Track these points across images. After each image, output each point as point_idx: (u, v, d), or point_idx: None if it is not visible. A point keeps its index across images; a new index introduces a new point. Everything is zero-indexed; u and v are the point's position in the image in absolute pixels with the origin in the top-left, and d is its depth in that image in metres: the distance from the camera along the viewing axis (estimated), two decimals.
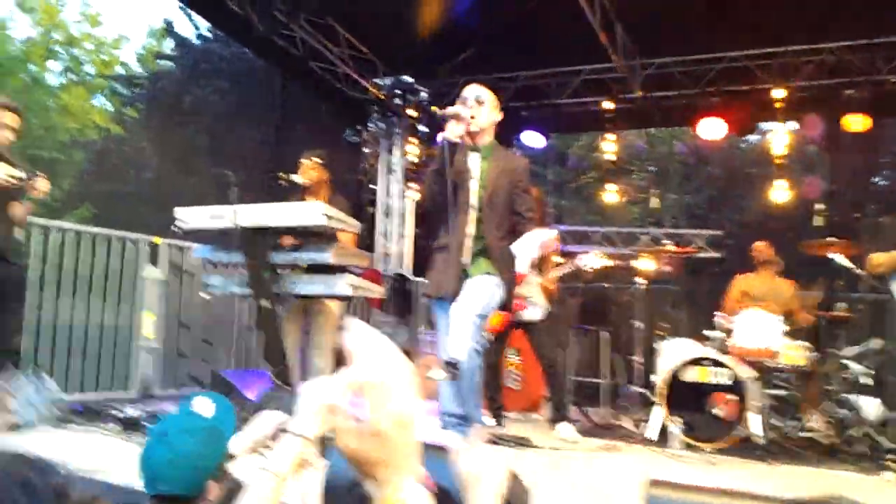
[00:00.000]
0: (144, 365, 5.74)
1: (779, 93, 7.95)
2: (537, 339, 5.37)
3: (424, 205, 3.72)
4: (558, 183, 18.55)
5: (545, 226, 5.50)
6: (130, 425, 4.12)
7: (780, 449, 4.81)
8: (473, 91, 3.69)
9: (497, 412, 5.45)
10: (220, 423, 1.93)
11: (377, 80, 9.46)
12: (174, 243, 5.78)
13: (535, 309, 5.32)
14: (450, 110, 3.53)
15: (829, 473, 4.34)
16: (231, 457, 2.01)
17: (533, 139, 9.50)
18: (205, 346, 5.71)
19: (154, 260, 5.85)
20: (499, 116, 3.76)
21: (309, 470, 2.20)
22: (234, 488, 1.93)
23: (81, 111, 23.34)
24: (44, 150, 18.80)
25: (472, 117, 3.57)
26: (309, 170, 5.10)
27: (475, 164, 3.67)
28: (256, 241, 4.29)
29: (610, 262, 7.04)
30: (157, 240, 5.75)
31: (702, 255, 9.94)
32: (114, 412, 4.38)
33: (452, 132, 3.50)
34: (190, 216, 4.48)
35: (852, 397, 5.06)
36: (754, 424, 4.83)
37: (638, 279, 6.18)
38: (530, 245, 3.54)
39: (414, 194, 9.52)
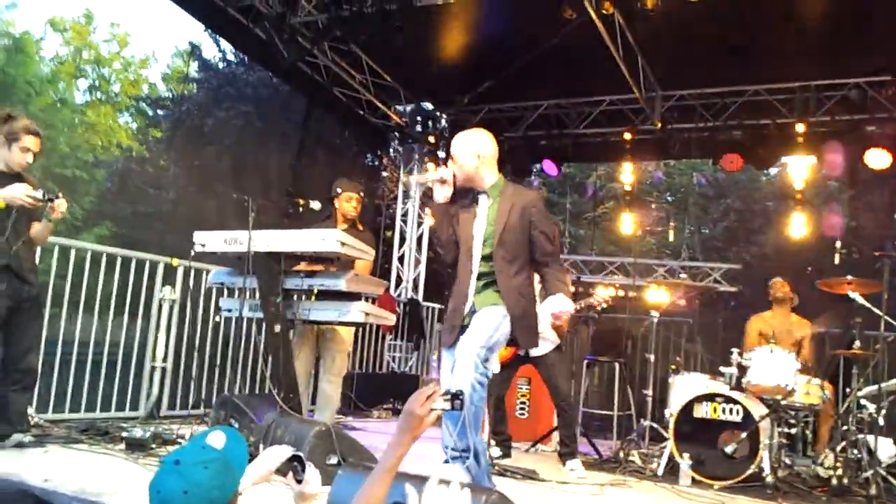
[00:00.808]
0: (154, 385, 5.78)
1: (800, 127, 7.93)
2: (548, 372, 5.31)
3: (444, 261, 3.78)
4: (576, 213, 18.55)
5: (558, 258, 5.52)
6: (136, 446, 4.14)
7: (791, 488, 4.74)
8: (451, 148, 3.72)
9: (504, 444, 5.42)
10: (231, 456, 1.94)
11: (398, 107, 9.55)
12: (191, 265, 5.83)
13: (544, 343, 5.27)
14: (429, 177, 3.69)
15: None
16: (238, 492, 2.02)
17: (549, 168, 9.55)
18: (216, 369, 5.74)
19: (170, 281, 5.91)
20: (484, 154, 3.66)
21: (312, 500, 2.22)
22: None
23: (108, 130, 23.74)
24: (67, 168, 19.09)
25: (454, 174, 3.64)
26: (357, 203, 5.19)
27: (483, 206, 3.68)
28: (271, 267, 4.33)
29: (621, 293, 7.03)
30: (175, 261, 5.81)
31: (718, 288, 9.87)
32: (120, 433, 4.40)
33: (440, 195, 3.61)
34: (207, 240, 4.54)
35: (867, 438, 4.98)
36: (765, 463, 4.77)
37: (653, 311, 6.15)
38: (543, 316, 3.58)
39: (430, 220, 9.57)
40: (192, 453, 1.88)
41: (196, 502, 1.77)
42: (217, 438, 1.97)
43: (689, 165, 18.15)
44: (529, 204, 3.64)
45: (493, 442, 5.34)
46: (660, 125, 8.40)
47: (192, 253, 4.56)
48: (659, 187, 19.66)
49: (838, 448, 4.98)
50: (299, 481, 2.16)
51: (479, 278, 3.60)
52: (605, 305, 5.41)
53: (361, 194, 5.25)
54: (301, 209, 4.80)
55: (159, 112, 23.14)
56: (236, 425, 4.21)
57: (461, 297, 3.60)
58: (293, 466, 2.16)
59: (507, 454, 5.37)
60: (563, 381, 5.31)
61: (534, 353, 5.26)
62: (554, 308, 3.52)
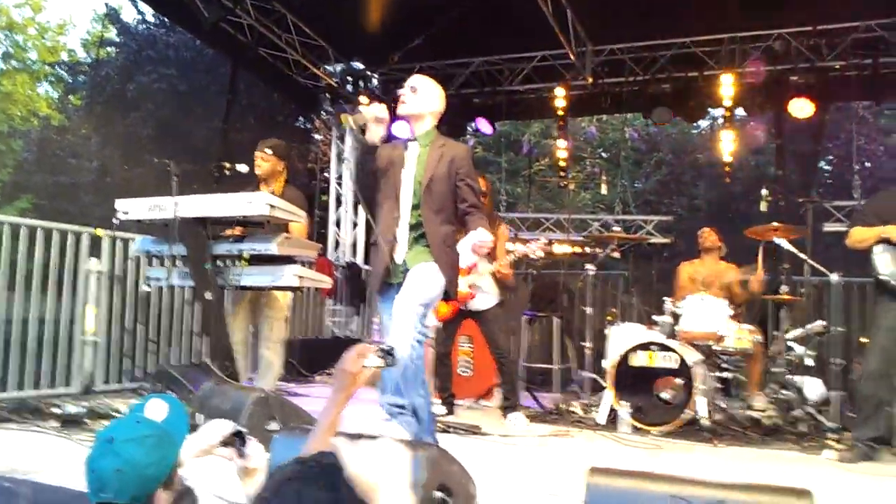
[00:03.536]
0: (86, 360, 5.60)
1: (727, 79, 8.06)
2: (488, 327, 5.35)
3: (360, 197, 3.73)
4: (512, 171, 18.60)
5: (493, 215, 5.53)
6: (71, 422, 4.01)
7: (726, 430, 4.89)
8: (410, 80, 3.69)
9: (448, 401, 5.45)
10: (171, 429, 1.87)
11: (328, 67, 9.34)
12: (117, 235, 5.63)
13: (486, 297, 5.31)
14: (366, 116, 3.47)
15: (773, 453, 4.43)
16: (180, 463, 1.95)
17: (483, 126, 9.52)
18: (149, 340, 5.58)
19: (96, 252, 5.69)
20: (437, 107, 3.71)
21: (255, 474, 2.16)
22: (184, 492, 1.89)
23: (27, 99, 22.69)
24: None
25: (402, 103, 3.63)
26: (261, 161, 4.97)
27: (413, 153, 3.62)
28: (198, 233, 4.21)
29: (564, 249, 7.09)
30: (100, 232, 5.60)
31: (651, 240, 10.06)
32: (53, 409, 4.25)
33: (376, 134, 3.49)
34: (131, 207, 4.39)
35: (796, 378, 5.17)
36: (700, 407, 4.90)
37: (588, 265, 6.21)
38: (464, 250, 3.56)
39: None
40: (127, 429, 1.81)
41: (130, 480, 1.71)
42: (156, 409, 1.90)
43: (621, 120, 18.33)
44: (458, 156, 3.63)
45: (436, 399, 5.36)
46: (591, 80, 8.43)
47: (116, 222, 4.39)
48: (592, 143, 19.83)
49: (769, 390, 5.15)
50: (242, 456, 2.11)
51: (410, 229, 3.54)
52: (540, 253, 5.42)
53: (266, 151, 4.97)
54: (228, 172, 4.65)
55: (78, 79, 22.15)
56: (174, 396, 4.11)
57: (389, 245, 3.52)
58: (235, 441, 2.10)
59: (450, 411, 5.40)
60: (502, 336, 5.38)
61: (475, 307, 5.29)
62: (474, 239, 3.47)
